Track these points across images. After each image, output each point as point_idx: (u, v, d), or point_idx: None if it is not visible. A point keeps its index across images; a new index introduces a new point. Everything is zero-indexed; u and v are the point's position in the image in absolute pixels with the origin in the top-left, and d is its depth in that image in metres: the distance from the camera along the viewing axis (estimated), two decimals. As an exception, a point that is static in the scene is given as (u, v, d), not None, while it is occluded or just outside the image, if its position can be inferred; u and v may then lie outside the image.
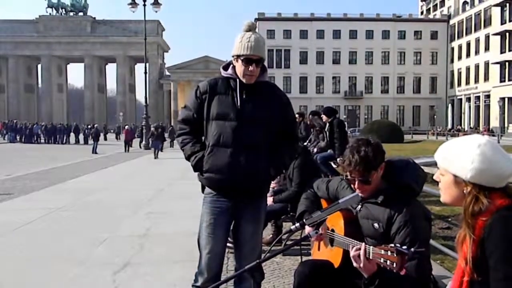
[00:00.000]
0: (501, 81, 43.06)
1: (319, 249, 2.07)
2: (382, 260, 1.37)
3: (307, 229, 1.80)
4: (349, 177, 1.81)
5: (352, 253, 1.53)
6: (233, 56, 2.12)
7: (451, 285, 1.30)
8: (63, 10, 63.41)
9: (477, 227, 1.20)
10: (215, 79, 2.20)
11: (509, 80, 41.81)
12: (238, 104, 2.08)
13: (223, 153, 2.06)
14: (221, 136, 2.07)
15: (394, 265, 1.33)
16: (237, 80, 2.11)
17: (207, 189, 2.18)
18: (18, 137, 33.28)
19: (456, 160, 1.24)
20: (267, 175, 2.16)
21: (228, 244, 2.59)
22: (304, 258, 2.20)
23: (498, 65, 43.45)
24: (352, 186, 1.85)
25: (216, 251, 2.12)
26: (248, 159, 2.05)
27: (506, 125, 41.68)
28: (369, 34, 55.42)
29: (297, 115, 8.08)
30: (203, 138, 2.19)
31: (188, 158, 2.17)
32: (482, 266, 1.17)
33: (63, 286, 3.25)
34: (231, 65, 2.15)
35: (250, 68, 2.06)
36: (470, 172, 1.21)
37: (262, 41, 2.10)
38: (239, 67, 2.09)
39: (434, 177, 1.34)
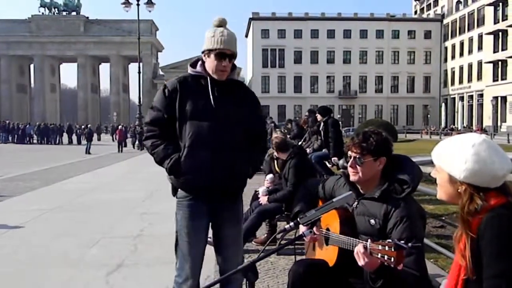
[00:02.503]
0: (494, 80, 43.44)
1: (313, 248, 2.06)
2: (380, 255, 1.36)
3: (302, 228, 1.80)
4: (349, 153, 1.83)
5: (355, 251, 1.52)
6: (203, 52, 2.03)
7: (447, 283, 1.29)
8: (56, 9, 62.86)
9: (473, 225, 1.20)
10: (184, 77, 2.09)
11: (502, 79, 42.21)
12: (212, 102, 2.00)
13: (201, 154, 1.98)
14: (198, 137, 1.98)
15: (392, 260, 1.32)
16: (208, 77, 2.03)
17: (182, 193, 2.07)
18: (10, 138, 32.93)
19: (450, 159, 1.24)
20: (245, 174, 2.11)
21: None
22: (298, 258, 2.20)
23: (491, 65, 43.83)
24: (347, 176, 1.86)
25: (199, 256, 2.06)
26: (226, 159, 1.99)
27: (499, 124, 42.07)
28: (363, 34, 55.64)
29: (307, 113, 8.14)
30: (175, 139, 2.07)
31: (160, 161, 2.04)
32: (478, 264, 1.17)
33: (57, 287, 3.21)
34: (200, 62, 2.07)
35: (224, 63, 1.98)
36: (463, 172, 1.21)
37: (235, 37, 2.03)
38: (211, 62, 2.00)
39: (431, 174, 1.34)
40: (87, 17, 62.77)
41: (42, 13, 62.56)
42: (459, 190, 1.24)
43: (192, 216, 2.04)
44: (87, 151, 20.26)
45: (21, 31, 60.10)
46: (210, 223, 2.12)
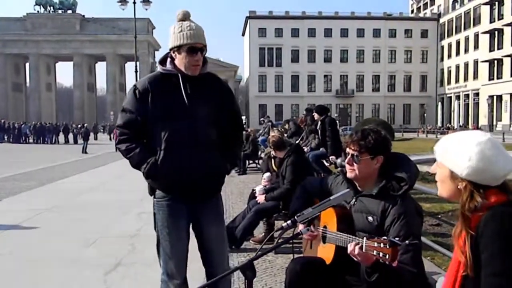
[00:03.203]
0: (490, 79, 43.63)
1: (311, 246, 2.07)
2: (375, 253, 1.38)
3: (299, 226, 1.80)
4: (347, 150, 1.84)
5: (348, 249, 1.54)
6: (171, 49, 1.96)
7: (445, 279, 1.30)
8: (51, 7, 62.45)
9: (473, 222, 1.20)
10: (154, 75, 2.03)
11: (497, 78, 42.39)
12: (186, 100, 1.94)
13: (179, 154, 1.93)
14: (174, 137, 1.92)
15: (387, 257, 1.34)
16: (179, 75, 1.96)
17: (160, 193, 2.03)
18: (6, 137, 32.75)
19: (454, 155, 1.23)
20: (224, 171, 2.08)
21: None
22: (296, 256, 2.20)
23: (487, 64, 44.00)
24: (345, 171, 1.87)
25: (182, 255, 2.05)
26: (205, 158, 1.96)
27: (494, 123, 42.26)
28: (360, 33, 55.71)
29: (304, 112, 8.14)
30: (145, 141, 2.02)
31: (136, 165, 1.99)
32: (477, 261, 1.18)
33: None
34: (169, 60, 2.00)
35: (196, 57, 1.92)
36: (466, 169, 1.20)
37: (202, 29, 1.97)
38: (182, 58, 1.93)
39: (431, 169, 1.34)
40: (83, 16, 62.43)
41: (38, 11, 62.14)
42: (459, 187, 1.23)
43: (172, 216, 2.01)
44: (84, 151, 20.19)
45: (16, 29, 59.70)
46: (191, 224, 2.09)
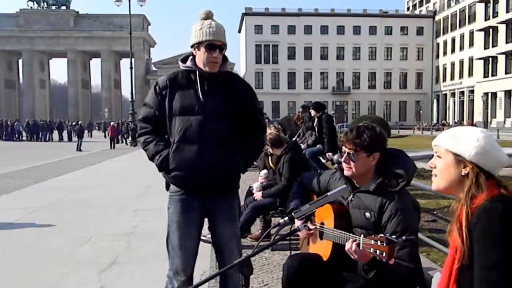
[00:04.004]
0: (484, 77, 43.91)
1: (308, 243, 2.06)
2: (372, 250, 1.38)
3: (297, 222, 1.79)
4: (343, 148, 1.84)
5: (346, 247, 1.54)
6: (192, 46, 2.01)
7: (441, 276, 1.31)
8: (45, 3, 61.90)
9: (470, 211, 1.22)
10: (174, 73, 2.08)
11: (492, 75, 42.68)
12: (201, 96, 1.98)
13: (190, 149, 1.96)
14: (186, 132, 1.97)
15: (384, 255, 1.34)
16: (197, 72, 2.01)
17: (173, 187, 2.07)
18: (-1, 135, 32.50)
19: (462, 139, 1.29)
20: (237, 169, 2.07)
21: (203, 238, 2.54)
22: (293, 252, 2.19)
23: (482, 61, 44.28)
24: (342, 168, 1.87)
25: (191, 252, 2.05)
26: (216, 154, 1.96)
27: (489, 119, 42.58)
28: (357, 30, 55.81)
29: (300, 109, 8.05)
30: (166, 136, 2.07)
31: (152, 158, 2.05)
32: (471, 251, 1.20)
33: (48, 287, 3.17)
34: (190, 57, 2.05)
35: (214, 54, 1.96)
36: (474, 149, 1.25)
37: (223, 28, 2.00)
38: (201, 55, 1.98)
39: (429, 164, 1.36)
40: (77, 12, 61.95)
41: (31, 7, 61.59)
42: (463, 174, 1.26)
43: (183, 210, 2.03)
44: (78, 148, 20.10)
45: (9, 26, 59.11)
46: (206, 220, 2.10)
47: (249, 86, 2.20)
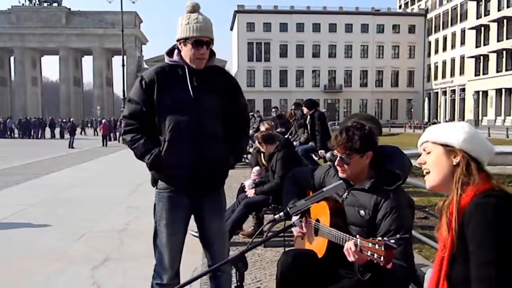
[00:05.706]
0: (476, 75, 44.30)
1: (302, 239, 2.07)
2: (369, 253, 1.35)
3: (293, 218, 1.79)
4: (334, 152, 1.83)
5: (345, 247, 1.52)
6: (178, 40, 1.95)
7: (432, 272, 1.31)
8: (37, 0, 61.10)
9: (462, 201, 1.21)
10: (161, 67, 2.00)
11: (483, 74, 43.07)
12: (191, 93, 1.93)
13: (184, 147, 1.92)
14: (177, 129, 1.91)
15: (382, 259, 1.31)
16: (185, 67, 1.95)
17: (162, 184, 2.02)
18: (-10, 132, 32.06)
19: (448, 129, 1.32)
20: (228, 165, 2.06)
21: (193, 233, 2.54)
22: (288, 248, 2.20)
23: (473, 59, 44.64)
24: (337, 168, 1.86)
25: (178, 248, 2.05)
26: (208, 151, 1.94)
27: (480, 118, 43.00)
28: (348, 28, 55.90)
29: (293, 106, 8.06)
30: (154, 133, 2.00)
31: (141, 156, 1.97)
32: (461, 248, 1.19)
33: (41, 284, 3.15)
34: (176, 51, 1.98)
35: (201, 50, 1.91)
36: (462, 135, 1.27)
37: (210, 22, 1.94)
38: (188, 51, 1.92)
39: (418, 161, 1.35)
40: (69, 9, 61.19)
41: (23, 4, 60.71)
42: (454, 163, 1.26)
43: (172, 208, 2.00)
44: (71, 145, 19.95)
45: (0, 23, 58.23)
46: (193, 216, 2.09)
47: (236, 81, 2.17)
